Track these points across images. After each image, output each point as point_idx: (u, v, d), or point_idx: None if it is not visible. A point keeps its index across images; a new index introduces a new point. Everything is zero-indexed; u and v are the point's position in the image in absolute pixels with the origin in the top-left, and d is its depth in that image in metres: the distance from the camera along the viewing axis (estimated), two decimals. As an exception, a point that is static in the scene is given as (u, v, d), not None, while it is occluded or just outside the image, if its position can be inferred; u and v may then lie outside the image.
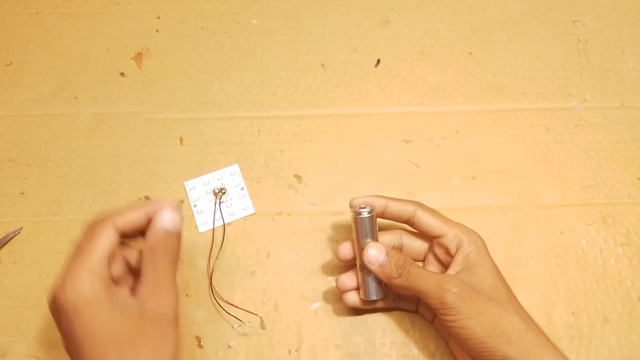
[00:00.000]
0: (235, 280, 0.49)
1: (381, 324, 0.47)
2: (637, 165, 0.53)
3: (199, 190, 0.51)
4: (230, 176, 0.51)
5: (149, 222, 0.39)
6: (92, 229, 0.38)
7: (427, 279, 0.41)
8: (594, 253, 0.50)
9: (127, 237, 0.40)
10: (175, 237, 0.39)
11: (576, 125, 0.55)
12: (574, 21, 0.59)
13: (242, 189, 0.50)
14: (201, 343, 0.47)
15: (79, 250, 0.37)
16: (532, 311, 0.47)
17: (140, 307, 0.36)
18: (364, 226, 0.44)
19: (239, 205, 0.50)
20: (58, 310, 0.36)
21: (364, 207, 0.44)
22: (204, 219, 0.50)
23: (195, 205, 0.50)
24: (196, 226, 0.50)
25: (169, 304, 0.37)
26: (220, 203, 0.49)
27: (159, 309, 0.36)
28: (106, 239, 0.37)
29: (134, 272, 0.40)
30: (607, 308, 0.48)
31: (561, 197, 0.52)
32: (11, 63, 0.57)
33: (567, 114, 0.55)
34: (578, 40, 0.58)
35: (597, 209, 0.51)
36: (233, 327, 0.47)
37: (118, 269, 0.39)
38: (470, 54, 0.58)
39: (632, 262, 0.49)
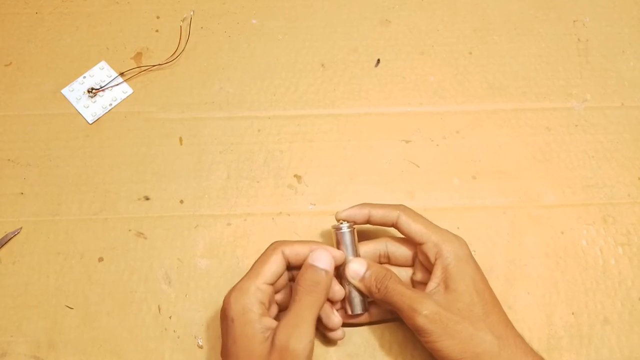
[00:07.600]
0: (236, 281, 0.48)
1: (381, 324, 0.47)
2: (637, 165, 0.53)
3: (78, 91, 0.55)
4: (100, 71, 0.56)
5: None
6: (266, 251, 0.42)
7: (401, 297, 0.41)
8: (594, 253, 0.50)
9: (291, 268, 0.43)
10: (325, 277, 0.41)
11: (576, 125, 0.55)
12: (574, 21, 0.59)
13: (115, 77, 0.55)
14: (201, 343, 0.47)
15: (253, 267, 0.42)
16: (532, 311, 0.47)
17: (275, 338, 0.38)
18: (343, 241, 0.44)
19: (118, 90, 0.55)
20: (222, 314, 0.40)
21: (344, 222, 0.44)
22: (93, 111, 0.54)
23: (78, 99, 0.55)
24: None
25: (300, 341, 0.38)
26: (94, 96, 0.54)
27: (289, 345, 0.38)
28: (274, 263, 0.41)
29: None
30: (607, 308, 0.48)
31: (561, 197, 0.52)
32: (11, 63, 0.57)
33: (567, 114, 0.55)
34: (578, 40, 0.58)
35: (598, 209, 0.51)
36: (233, 327, 0.47)
37: (278, 294, 0.44)
38: (470, 53, 0.58)
39: (632, 262, 0.49)
